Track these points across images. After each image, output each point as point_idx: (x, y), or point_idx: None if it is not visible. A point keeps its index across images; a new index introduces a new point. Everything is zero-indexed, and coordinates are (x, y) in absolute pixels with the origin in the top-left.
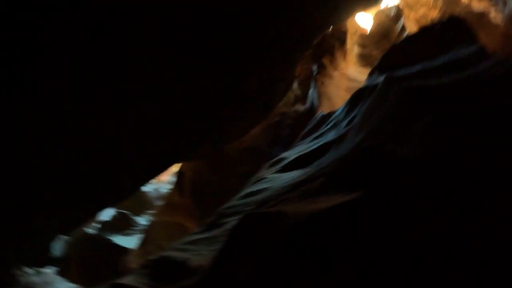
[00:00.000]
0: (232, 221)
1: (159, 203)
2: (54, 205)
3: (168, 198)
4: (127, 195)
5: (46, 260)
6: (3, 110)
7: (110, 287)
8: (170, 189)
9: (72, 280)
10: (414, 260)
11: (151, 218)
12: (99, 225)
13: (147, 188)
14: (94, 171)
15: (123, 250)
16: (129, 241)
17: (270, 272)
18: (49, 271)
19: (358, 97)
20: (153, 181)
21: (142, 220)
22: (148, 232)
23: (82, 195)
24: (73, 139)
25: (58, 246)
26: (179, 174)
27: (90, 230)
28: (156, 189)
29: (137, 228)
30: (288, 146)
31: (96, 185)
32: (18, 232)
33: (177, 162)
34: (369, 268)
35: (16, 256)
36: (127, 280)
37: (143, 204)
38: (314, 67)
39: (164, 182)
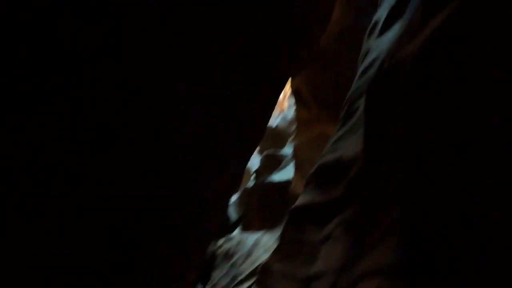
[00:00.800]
0: (362, 102)
1: (293, 128)
2: (220, 166)
3: (298, 118)
4: (262, 132)
5: (230, 227)
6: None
7: (289, 215)
8: (296, 110)
9: (257, 229)
10: None
11: (293, 143)
12: (254, 175)
13: (275, 122)
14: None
15: (285, 183)
16: (286, 174)
17: (412, 123)
18: (236, 232)
19: None
20: (275, 114)
21: (287, 151)
22: (296, 156)
23: (235, 145)
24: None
25: (232, 211)
26: (295, 92)
27: (250, 183)
28: (283, 119)
29: (287, 159)
30: (375, 8)
31: (243, 129)
32: (202, 210)
33: (289, 78)
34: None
35: (209, 236)
36: (299, 201)
37: (279, 137)
38: None
39: (285, 110)
